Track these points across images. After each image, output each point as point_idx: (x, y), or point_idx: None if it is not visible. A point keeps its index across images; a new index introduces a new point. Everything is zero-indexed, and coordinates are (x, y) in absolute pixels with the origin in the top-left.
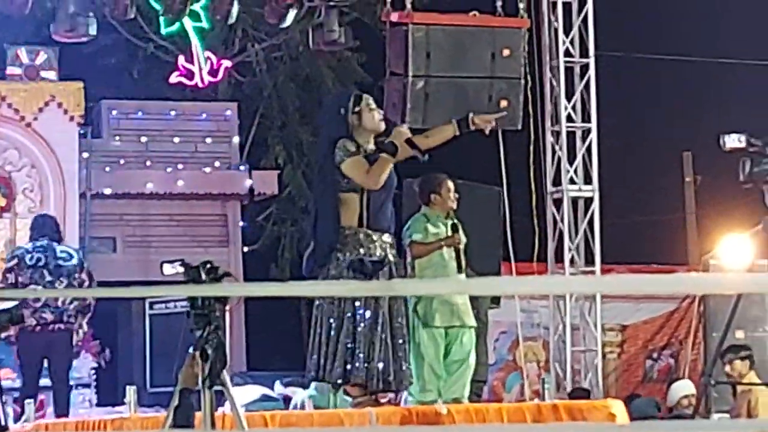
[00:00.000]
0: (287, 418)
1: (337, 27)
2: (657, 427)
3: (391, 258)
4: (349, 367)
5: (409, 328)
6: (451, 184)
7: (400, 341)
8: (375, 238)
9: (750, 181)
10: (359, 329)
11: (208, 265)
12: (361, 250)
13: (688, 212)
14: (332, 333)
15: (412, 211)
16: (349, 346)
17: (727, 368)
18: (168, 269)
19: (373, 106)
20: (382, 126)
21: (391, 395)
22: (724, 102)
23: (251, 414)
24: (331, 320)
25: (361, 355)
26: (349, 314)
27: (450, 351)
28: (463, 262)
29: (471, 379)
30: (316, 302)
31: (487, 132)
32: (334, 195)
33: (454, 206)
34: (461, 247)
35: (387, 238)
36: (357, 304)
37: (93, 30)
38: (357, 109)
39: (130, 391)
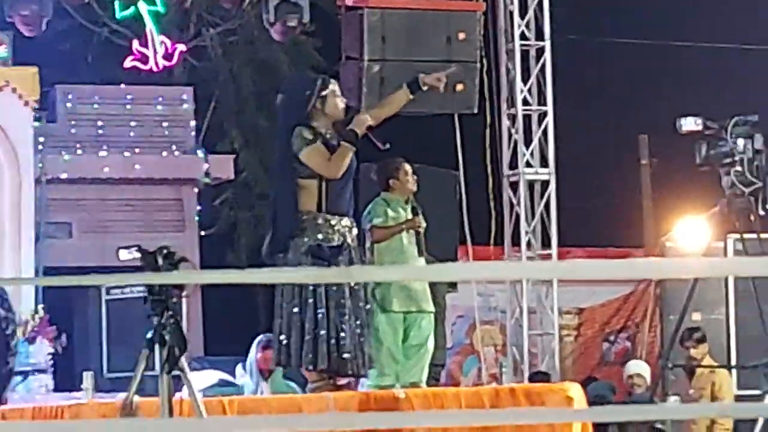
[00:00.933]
0: (245, 403)
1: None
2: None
3: (350, 242)
4: (315, 352)
5: (368, 313)
6: (408, 168)
7: (361, 326)
8: (334, 222)
9: (706, 164)
10: (321, 315)
11: (165, 251)
12: (320, 236)
13: (645, 195)
14: (296, 319)
15: (371, 195)
16: (314, 332)
17: (685, 351)
18: (124, 255)
19: (339, 92)
20: (343, 114)
21: (351, 379)
22: (680, 85)
23: (209, 399)
24: (294, 307)
25: (326, 341)
26: (311, 300)
27: (408, 336)
28: (423, 246)
29: (429, 363)
30: (278, 288)
31: (441, 89)
32: (293, 182)
33: (414, 189)
34: (421, 230)
35: (346, 222)
36: (319, 289)
37: (49, 11)
38: (324, 93)
39: (87, 377)
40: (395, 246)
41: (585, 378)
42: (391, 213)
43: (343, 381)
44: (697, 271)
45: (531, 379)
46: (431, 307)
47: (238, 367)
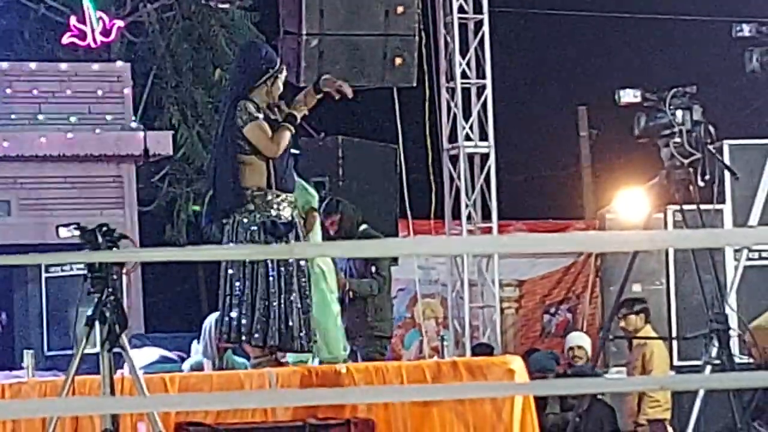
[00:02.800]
0: (186, 379)
1: None
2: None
3: (296, 219)
4: (266, 329)
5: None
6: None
7: (305, 302)
8: (282, 198)
9: (645, 136)
10: (272, 290)
11: (104, 228)
12: (272, 212)
13: (584, 167)
14: (244, 296)
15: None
16: (265, 309)
17: (623, 323)
18: (63, 232)
19: (284, 78)
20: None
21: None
22: (619, 57)
23: (150, 376)
24: (237, 282)
25: (277, 318)
26: (260, 277)
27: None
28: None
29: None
30: (224, 265)
31: (336, 97)
32: (234, 156)
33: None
34: None
35: (291, 199)
36: (269, 265)
37: None
38: (279, 74)
39: (28, 356)
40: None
41: (526, 350)
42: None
43: (285, 358)
44: (637, 244)
45: (474, 351)
46: (334, 288)
47: (194, 344)
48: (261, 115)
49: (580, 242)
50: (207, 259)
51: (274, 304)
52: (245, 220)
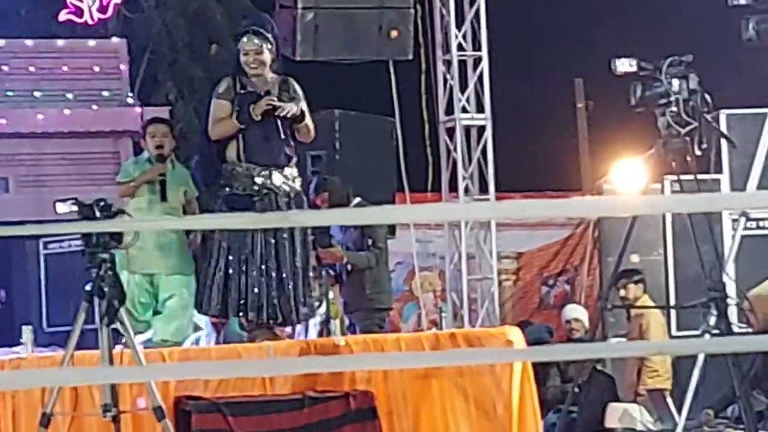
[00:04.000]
0: (186, 353)
1: None
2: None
3: (275, 190)
4: (249, 302)
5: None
6: (153, 129)
7: (295, 274)
8: (255, 173)
9: (641, 105)
10: (255, 263)
11: (102, 203)
12: (238, 185)
13: (581, 138)
14: (231, 270)
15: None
16: (249, 281)
17: (622, 292)
18: (61, 208)
19: (246, 50)
20: (252, 71)
21: (288, 329)
22: (614, 27)
23: (149, 351)
24: (230, 256)
25: (262, 290)
26: (247, 249)
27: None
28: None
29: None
30: (210, 238)
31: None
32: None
33: (159, 144)
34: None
35: (270, 173)
36: (255, 238)
37: None
38: (239, 47)
39: (27, 331)
40: (140, 204)
41: (521, 322)
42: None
43: (282, 333)
44: (634, 208)
45: None
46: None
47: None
48: (227, 93)
49: (578, 207)
50: (201, 228)
51: (261, 277)
52: (219, 195)
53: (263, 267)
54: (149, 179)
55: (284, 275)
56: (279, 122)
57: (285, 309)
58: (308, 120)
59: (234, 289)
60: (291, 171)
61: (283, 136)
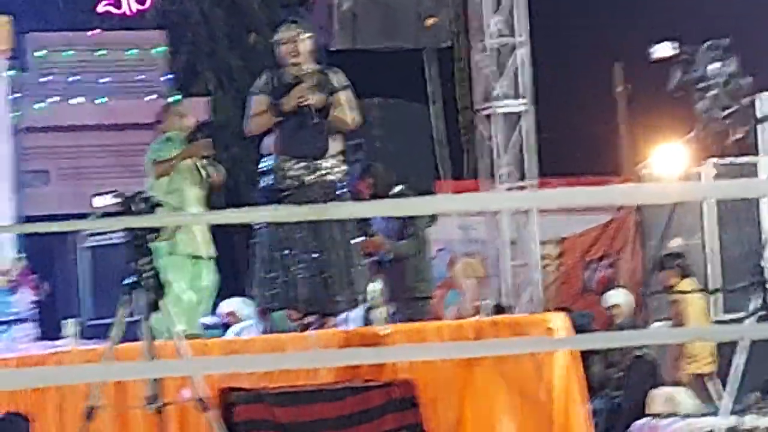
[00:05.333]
0: (229, 344)
1: None
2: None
3: (308, 183)
4: (293, 293)
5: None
6: (179, 108)
7: (338, 264)
8: (287, 166)
9: (680, 89)
10: (299, 254)
11: (141, 195)
12: (272, 178)
13: (621, 122)
14: (275, 261)
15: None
16: (293, 272)
17: (664, 277)
18: (99, 201)
19: (284, 39)
20: (291, 60)
21: (333, 319)
22: (653, 10)
23: (192, 342)
24: (274, 247)
25: (303, 281)
26: (290, 240)
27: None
28: (205, 174)
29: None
30: (255, 230)
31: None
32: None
33: (188, 124)
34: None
35: (304, 163)
36: (298, 233)
37: None
38: (274, 40)
39: (70, 325)
40: (176, 185)
41: (559, 309)
42: (174, 150)
43: (331, 322)
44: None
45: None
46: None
47: (240, 307)
48: (265, 89)
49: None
50: (240, 221)
51: (302, 269)
52: (258, 187)
53: (307, 257)
54: (188, 155)
55: (327, 265)
56: (313, 114)
57: (329, 299)
58: (338, 111)
59: (280, 280)
60: (327, 162)
61: (318, 128)
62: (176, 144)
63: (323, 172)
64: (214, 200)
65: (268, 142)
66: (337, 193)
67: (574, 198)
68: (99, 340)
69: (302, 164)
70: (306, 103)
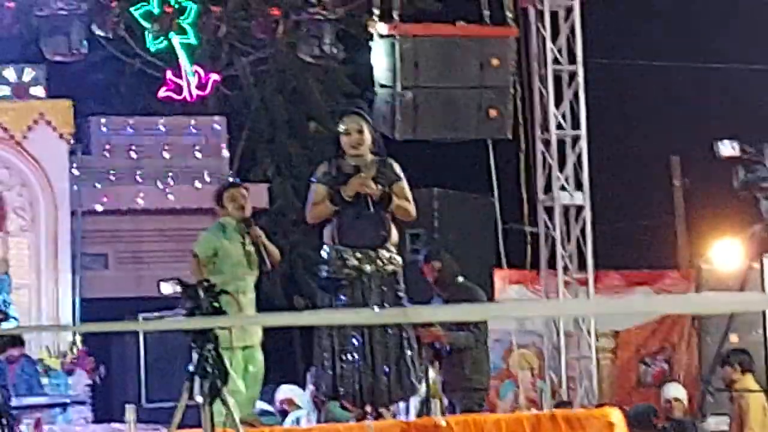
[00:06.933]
0: None
1: (327, 39)
2: None
3: (369, 272)
4: (354, 382)
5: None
6: (234, 192)
7: (396, 354)
8: (346, 256)
9: (744, 189)
10: (358, 344)
11: (206, 284)
12: (330, 269)
13: (678, 216)
14: (335, 351)
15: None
16: (352, 363)
17: (726, 372)
18: (166, 288)
19: (348, 130)
20: (353, 151)
21: (393, 408)
22: (712, 107)
23: (250, 430)
24: (335, 337)
25: (362, 372)
26: (351, 329)
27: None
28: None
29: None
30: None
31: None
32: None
33: (242, 213)
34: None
35: (365, 255)
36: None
37: (83, 45)
38: (340, 128)
39: (130, 410)
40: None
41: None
42: (223, 240)
43: (389, 412)
44: (733, 305)
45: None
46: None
47: (299, 395)
48: (325, 178)
49: (674, 304)
50: (317, 324)
51: (355, 355)
52: (317, 278)
53: (365, 347)
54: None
55: (385, 354)
56: (372, 203)
57: (386, 389)
58: (402, 201)
59: (338, 370)
60: (385, 252)
61: (377, 217)
62: (228, 231)
63: (383, 262)
64: (269, 288)
65: (328, 231)
66: (396, 286)
67: (631, 306)
68: (156, 425)
69: (360, 254)
70: (367, 191)
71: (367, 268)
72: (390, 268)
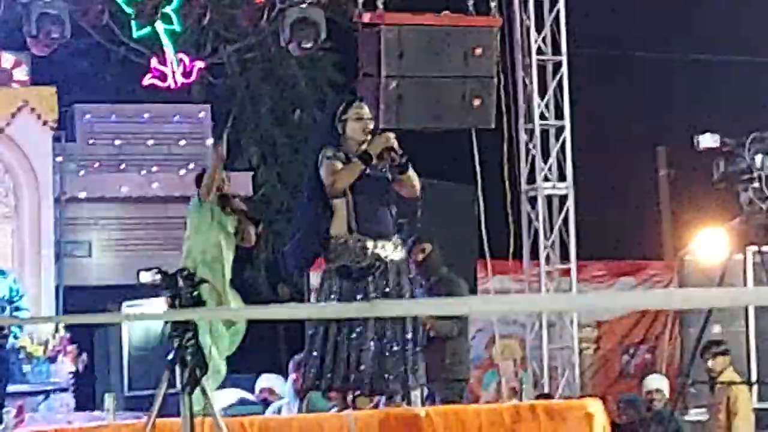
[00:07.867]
0: (266, 423)
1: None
2: None
3: (387, 262)
4: (333, 372)
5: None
6: (218, 175)
7: (394, 346)
8: (369, 245)
9: (724, 181)
10: (353, 337)
11: (185, 272)
12: (350, 257)
13: (663, 206)
14: (328, 344)
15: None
16: (344, 354)
17: (709, 364)
18: (145, 276)
19: (361, 115)
20: (364, 137)
21: (378, 398)
22: (695, 99)
23: (230, 419)
24: (328, 332)
25: (344, 360)
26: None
27: None
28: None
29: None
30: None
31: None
32: (317, 202)
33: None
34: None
35: (382, 243)
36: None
37: (67, 32)
38: (344, 117)
39: (109, 399)
40: (218, 239)
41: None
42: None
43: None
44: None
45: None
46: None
47: (280, 384)
48: (335, 157)
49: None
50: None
51: (344, 347)
52: (328, 269)
53: (348, 337)
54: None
55: (381, 346)
56: (385, 191)
57: (366, 380)
58: (412, 174)
59: (327, 358)
60: (396, 240)
61: (390, 206)
62: (204, 211)
63: (396, 249)
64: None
65: (338, 222)
66: (405, 271)
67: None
68: (137, 413)
69: (379, 243)
70: (393, 144)
71: (387, 252)
72: (402, 253)
